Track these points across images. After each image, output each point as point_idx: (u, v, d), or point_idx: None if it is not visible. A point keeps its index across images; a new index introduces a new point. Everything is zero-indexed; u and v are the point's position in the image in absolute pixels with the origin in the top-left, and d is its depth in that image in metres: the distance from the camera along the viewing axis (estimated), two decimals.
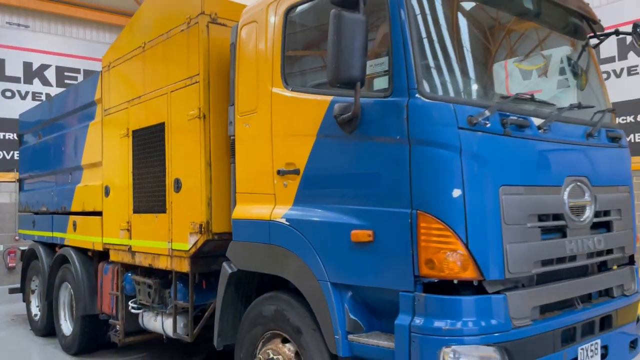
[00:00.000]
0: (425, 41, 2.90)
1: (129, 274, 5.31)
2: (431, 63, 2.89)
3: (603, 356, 3.32)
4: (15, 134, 12.29)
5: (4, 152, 12.41)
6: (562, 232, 3.15)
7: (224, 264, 3.90)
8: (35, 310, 7.49)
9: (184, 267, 4.39)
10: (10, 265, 12.12)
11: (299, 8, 3.49)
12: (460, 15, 3.24)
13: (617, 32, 4.14)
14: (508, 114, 2.94)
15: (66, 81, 13.52)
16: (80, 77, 13.76)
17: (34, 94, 13.03)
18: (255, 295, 3.78)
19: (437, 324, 2.67)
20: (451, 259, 2.68)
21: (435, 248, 2.70)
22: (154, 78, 4.79)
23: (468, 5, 3.28)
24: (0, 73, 12.55)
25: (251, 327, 3.67)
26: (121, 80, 5.35)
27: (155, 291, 4.95)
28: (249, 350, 3.68)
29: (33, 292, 7.58)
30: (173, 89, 4.49)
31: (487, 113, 2.78)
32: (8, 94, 12.62)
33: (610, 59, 11.83)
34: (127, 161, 5.15)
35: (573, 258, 3.18)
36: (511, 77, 3.79)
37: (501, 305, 2.73)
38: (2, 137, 12.38)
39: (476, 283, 2.73)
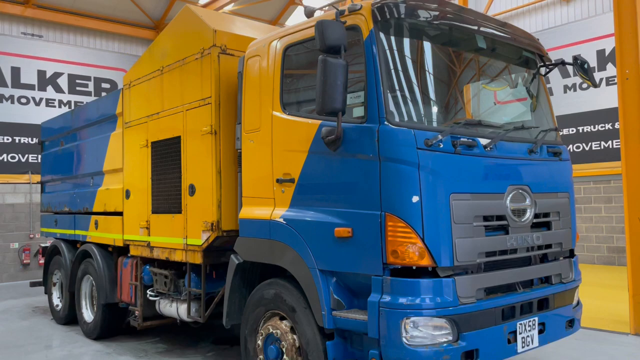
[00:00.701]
0: (394, 80, 3.67)
1: (147, 267, 6.08)
2: (397, 97, 3.66)
3: (541, 331, 4.08)
4: (29, 139, 13.11)
5: (19, 155, 13.16)
6: (505, 230, 3.92)
7: (232, 256, 4.68)
8: (56, 301, 8.24)
9: (197, 259, 5.16)
10: (25, 262, 12.89)
11: (295, 47, 4.28)
12: (423, 57, 4.01)
13: (563, 63, 4.91)
14: (459, 136, 3.71)
15: (77, 88, 14.30)
16: (91, 84, 14.54)
17: (47, 100, 13.79)
18: (258, 282, 4.54)
19: (400, 300, 3.44)
20: (411, 250, 3.45)
21: (399, 242, 3.47)
22: (171, 97, 5.56)
23: (430, 47, 4.04)
24: (16, 81, 13.30)
25: (254, 308, 4.45)
26: (141, 97, 6.12)
27: (170, 281, 5.73)
28: (253, 327, 4.45)
29: (54, 284, 8.33)
30: (188, 107, 5.27)
31: (440, 137, 3.56)
32: (23, 100, 13.38)
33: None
34: (146, 168, 5.92)
35: (514, 251, 3.96)
36: (474, 101, 4.58)
37: (450, 286, 3.50)
38: (17, 141, 13.12)
39: (431, 269, 3.50)
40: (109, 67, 14.75)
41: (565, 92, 13.74)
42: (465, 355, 3.55)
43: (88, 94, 14.36)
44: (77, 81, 14.29)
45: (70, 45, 14.44)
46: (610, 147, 12.76)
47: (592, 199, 13.08)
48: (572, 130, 13.56)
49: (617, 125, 11.77)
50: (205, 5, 14.54)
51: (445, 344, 3.46)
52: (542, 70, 4.88)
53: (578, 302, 4.63)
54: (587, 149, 13.27)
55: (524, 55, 4.72)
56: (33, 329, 7.87)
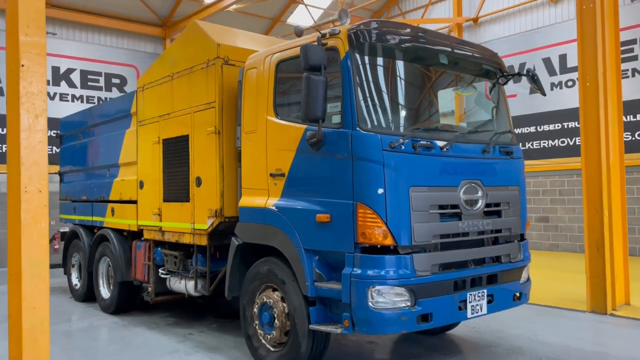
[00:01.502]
0: (365, 93, 4.46)
1: (159, 248, 6.93)
2: (368, 107, 4.45)
3: (490, 301, 4.89)
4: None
5: None
6: (458, 217, 4.73)
7: (233, 238, 5.51)
8: (75, 280, 9.11)
9: (203, 241, 5.99)
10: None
11: (286, 62, 5.07)
12: (391, 73, 4.80)
13: (519, 74, 5.68)
14: (419, 139, 4.51)
15: (89, 83, 15.13)
16: (102, 80, 15.35)
17: (61, 94, 14.63)
18: (254, 260, 5.36)
19: (367, 272, 4.26)
20: (376, 232, 4.27)
21: (367, 225, 4.28)
22: (180, 101, 6.37)
23: (397, 65, 4.83)
24: None
25: (251, 282, 5.28)
26: (153, 99, 6.93)
27: (180, 261, 6.57)
28: (250, 298, 5.29)
29: (73, 266, 9.19)
30: (195, 110, 6.07)
31: (401, 140, 4.36)
32: None
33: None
34: (158, 162, 6.75)
35: (466, 234, 4.77)
36: (436, 109, 5.37)
37: (408, 262, 4.31)
38: None
39: (393, 247, 4.31)
40: (119, 63, 15.57)
41: (552, 89, 14.47)
42: (422, 318, 4.37)
43: (99, 88, 15.19)
44: (89, 76, 15.11)
45: (83, 42, 15.24)
46: None
47: (575, 191, 13.84)
48: (558, 126, 14.31)
49: None
50: (209, 5, 15.28)
51: (404, 308, 4.28)
52: (501, 80, 5.65)
53: (528, 279, 5.43)
54: (571, 143, 14.01)
55: (484, 68, 5.49)
56: (54, 305, 8.66)
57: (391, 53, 4.74)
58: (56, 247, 13.02)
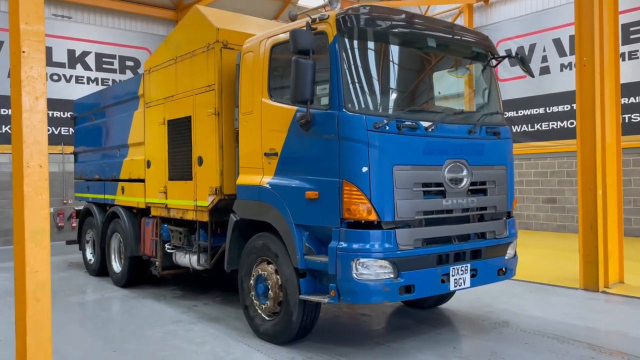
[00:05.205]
0: (353, 76, 4.67)
1: (165, 225, 7.27)
2: (354, 90, 4.67)
3: (473, 275, 5.11)
4: (61, 113, 14.38)
5: (53, 128, 14.45)
6: (442, 194, 4.94)
7: (231, 214, 5.80)
8: (89, 256, 9.54)
9: (205, 218, 6.30)
10: (59, 224, 14.31)
11: (279, 46, 5.29)
12: (378, 57, 5.00)
13: (509, 56, 5.82)
14: (403, 120, 4.72)
15: (104, 66, 15.46)
16: (116, 62, 15.69)
17: (76, 77, 15.00)
18: (251, 235, 5.65)
19: (352, 246, 4.51)
20: (361, 208, 4.51)
21: (352, 202, 4.53)
22: (183, 83, 6.64)
23: (384, 49, 5.02)
24: (49, 59, 14.47)
25: (248, 256, 5.58)
26: (159, 82, 7.21)
27: (184, 236, 6.91)
28: (247, 271, 5.59)
29: (87, 242, 9.63)
30: (197, 92, 6.34)
31: (385, 121, 4.57)
32: (55, 77, 14.61)
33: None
34: (163, 142, 7.05)
35: (450, 211, 4.99)
36: (424, 91, 5.54)
37: (392, 236, 4.55)
38: (51, 115, 14.38)
39: (376, 223, 4.56)
40: (132, 46, 15.87)
41: (561, 70, 14.42)
42: (405, 289, 4.63)
43: (114, 71, 15.53)
44: (104, 59, 15.44)
45: (97, 25, 15.54)
46: None
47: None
48: (567, 107, 14.28)
49: None
50: None
51: (386, 280, 4.53)
52: (492, 62, 5.79)
53: (514, 255, 5.64)
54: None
55: (474, 51, 5.64)
56: (70, 278, 9.18)
57: (379, 37, 4.92)
58: (73, 224, 13.51)
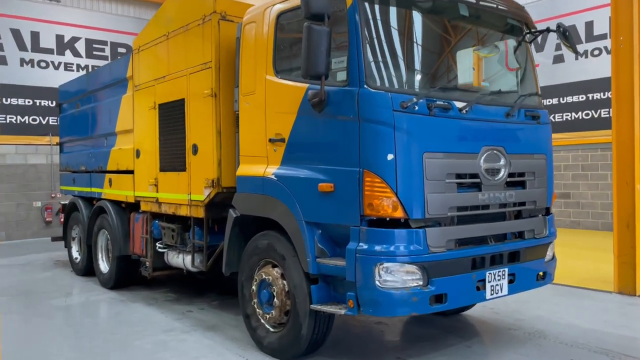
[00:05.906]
0: (375, 46, 3.95)
1: (156, 221, 6.53)
2: (378, 63, 3.94)
3: (511, 281, 4.41)
4: (49, 102, 13.58)
5: (40, 117, 13.66)
6: (478, 187, 4.22)
7: (230, 210, 5.07)
8: (75, 254, 8.81)
9: (200, 213, 5.57)
10: (47, 219, 13.55)
11: (287, 14, 4.54)
12: (403, 25, 4.26)
13: (548, 30, 5.10)
14: (435, 99, 3.99)
15: (95, 52, 14.67)
16: (107, 49, 14.89)
17: (65, 64, 14.19)
18: (254, 234, 4.93)
19: (375, 248, 3.80)
20: (385, 203, 3.79)
21: (374, 195, 3.81)
22: (175, 62, 5.89)
23: (411, 16, 4.28)
24: (35, 45, 13.69)
25: (250, 257, 4.86)
26: (149, 61, 6.46)
27: (177, 234, 6.17)
28: (249, 275, 4.87)
29: (73, 239, 8.89)
30: (191, 71, 5.59)
31: (415, 99, 3.85)
32: (43, 64, 13.80)
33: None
34: (154, 129, 6.31)
35: (486, 207, 4.27)
36: (455, 67, 4.80)
37: (421, 236, 3.84)
38: (38, 104, 13.59)
39: (403, 220, 3.84)
40: (125, 32, 15.04)
41: (577, 58, 13.69)
42: (435, 299, 3.92)
43: (105, 58, 14.72)
44: (94, 45, 14.65)
45: (88, 10, 14.76)
46: None
47: (599, 166, 13.20)
48: (582, 98, 13.58)
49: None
50: None
51: (415, 288, 3.82)
52: (528, 37, 5.06)
53: (553, 257, 4.94)
54: (596, 115, 13.31)
55: (509, 23, 4.90)
56: (54, 278, 8.46)
57: (405, 2, 4.19)
58: (62, 220, 12.76)
